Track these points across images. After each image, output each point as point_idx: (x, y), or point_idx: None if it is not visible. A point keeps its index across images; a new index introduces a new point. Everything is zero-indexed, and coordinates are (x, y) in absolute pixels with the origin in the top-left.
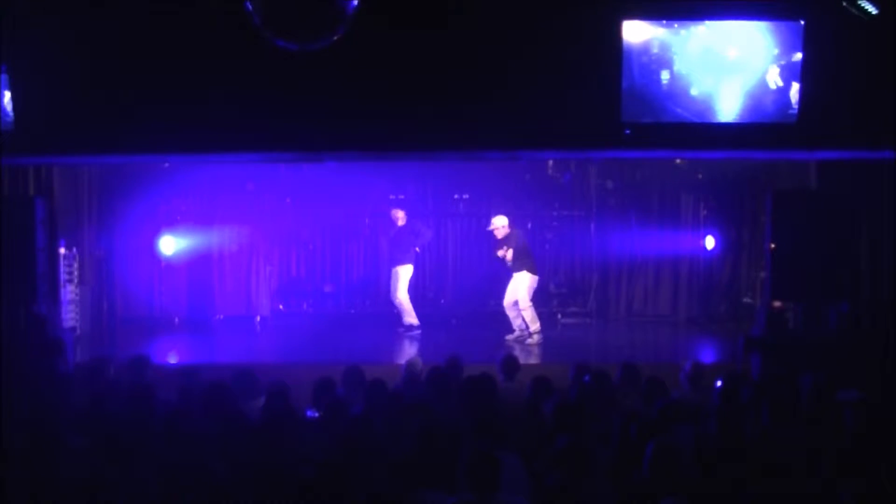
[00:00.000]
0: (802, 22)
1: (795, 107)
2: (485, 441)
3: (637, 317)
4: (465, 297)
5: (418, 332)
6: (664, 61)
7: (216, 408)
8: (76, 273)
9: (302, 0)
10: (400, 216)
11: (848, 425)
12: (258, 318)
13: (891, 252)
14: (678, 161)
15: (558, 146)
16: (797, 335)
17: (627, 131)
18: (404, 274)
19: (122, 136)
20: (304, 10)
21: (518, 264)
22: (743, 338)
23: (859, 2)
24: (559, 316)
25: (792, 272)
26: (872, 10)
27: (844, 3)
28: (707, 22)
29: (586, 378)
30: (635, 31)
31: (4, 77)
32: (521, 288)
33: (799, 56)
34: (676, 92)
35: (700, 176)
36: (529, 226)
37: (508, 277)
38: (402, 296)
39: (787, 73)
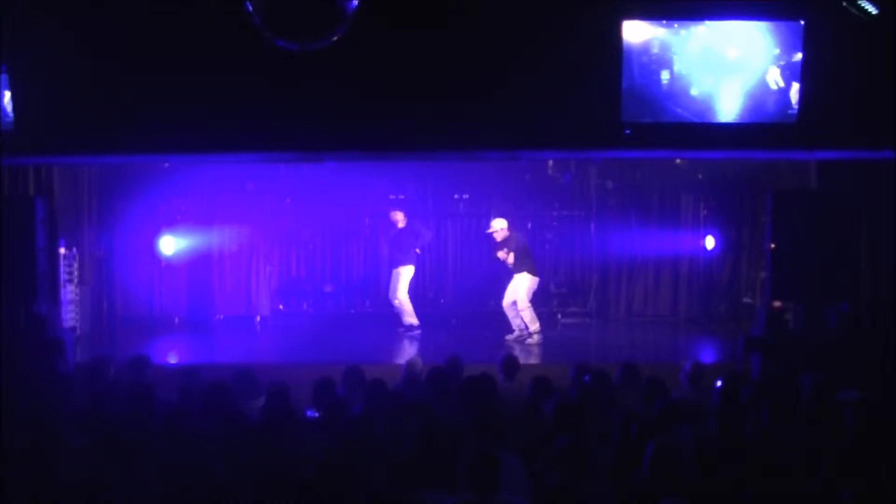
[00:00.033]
0: (802, 22)
1: (795, 107)
2: (485, 441)
3: (637, 317)
4: (465, 297)
5: (418, 332)
6: (664, 61)
7: (216, 408)
8: (76, 273)
9: (302, 0)
10: (399, 218)
11: (848, 425)
12: (258, 318)
13: (891, 252)
14: (678, 161)
15: (558, 146)
16: (797, 335)
17: (627, 131)
18: (405, 275)
19: (122, 136)
20: (304, 10)
21: (518, 265)
22: (743, 338)
23: (859, 2)
24: (559, 316)
25: (792, 272)
26: (872, 10)
27: (844, 3)
28: (707, 22)
29: (586, 378)
30: (635, 31)
31: (4, 77)
32: (520, 289)
33: (799, 56)
34: (676, 92)
35: (700, 176)
36: (529, 226)
37: (508, 277)
38: (402, 296)
39: (788, 73)
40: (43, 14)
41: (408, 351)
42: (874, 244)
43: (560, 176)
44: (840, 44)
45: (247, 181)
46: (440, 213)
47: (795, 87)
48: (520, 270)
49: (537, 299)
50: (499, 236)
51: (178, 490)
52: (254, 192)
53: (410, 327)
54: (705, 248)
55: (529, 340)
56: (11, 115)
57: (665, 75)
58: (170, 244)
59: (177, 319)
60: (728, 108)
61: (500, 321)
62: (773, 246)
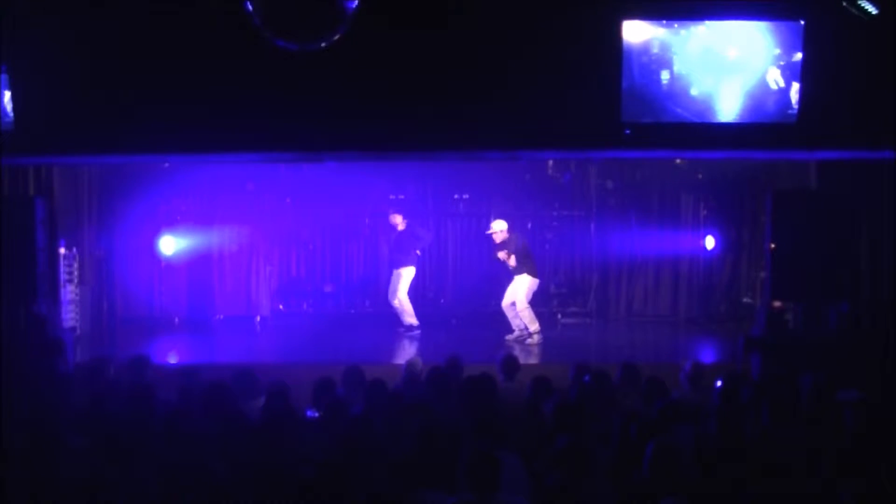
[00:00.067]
0: (802, 22)
1: (795, 107)
2: (485, 441)
3: (637, 317)
4: (465, 297)
5: (418, 332)
6: (664, 61)
7: (216, 408)
8: (76, 273)
9: (302, 0)
10: (398, 221)
11: (848, 425)
12: (258, 318)
13: (891, 252)
14: (678, 161)
15: (558, 146)
16: (797, 335)
17: (627, 131)
18: (406, 276)
19: (122, 136)
20: (304, 10)
21: (518, 267)
22: (743, 338)
23: (859, 2)
24: (559, 316)
25: (792, 272)
26: (872, 10)
27: (844, 3)
28: (707, 22)
29: (586, 378)
30: (635, 31)
31: (4, 77)
32: (519, 290)
33: (799, 56)
34: (676, 92)
35: (700, 176)
36: (529, 226)
37: (508, 277)
38: (402, 296)
39: (788, 73)
40: (43, 14)
41: (408, 351)
42: (874, 244)
43: (560, 176)
44: (840, 44)
45: (247, 181)
46: (440, 213)
47: (795, 87)
48: (520, 272)
49: (537, 299)
50: (498, 238)
51: (178, 490)
52: (254, 192)
53: (410, 327)
54: (705, 248)
55: (529, 340)
56: (11, 115)
57: (665, 75)
58: (170, 244)
59: (177, 319)
60: (728, 108)
61: (500, 321)
62: (773, 246)
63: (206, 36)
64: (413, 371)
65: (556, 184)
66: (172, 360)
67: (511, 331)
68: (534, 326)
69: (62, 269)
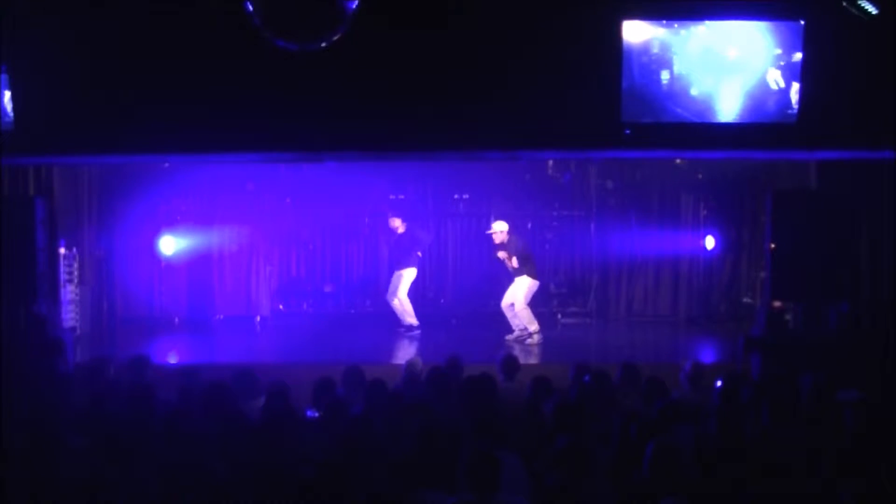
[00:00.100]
0: (802, 22)
1: (795, 107)
2: (485, 441)
3: (637, 317)
4: (465, 297)
5: (418, 332)
6: (664, 61)
7: (216, 408)
8: (76, 273)
9: (302, 0)
10: (398, 224)
11: (848, 425)
12: (258, 318)
13: (891, 252)
14: (678, 161)
15: (558, 146)
16: (797, 335)
17: (627, 131)
18: (407, 276)
19: (122, 136)
20: (304, 10)
21: (519, 269)
22: (743, 338)
23: (859, 2)
24: (559, 316)
25: (792, 272)
26: (872, 10)
27: (844, 3)
28: (707, 22)
29: (586, 378)
30: (635, 31)
31: (4, 77)
32: (519, 291)
33: (799, 56)
34: (676, 92)
35: (700, 176)
36: (529, 226)
37: (508, 277)
38: (402, 296)
39: (788, 73)
40: (43, 14)
41: (408, 351)
42: (874, 244)
43: (560, 176)
44: (840, 44)
45: (247, 181)
46: (440, 213)
47: (795, 87)
48: (520, 274)
49: (537, 300)
50: (497, 238)
51: (178, 490)
52: (254, 192)
53: (410, 327)
54: (705, 248)
55: (529, 340)
56: (11, 115)
57: (665, 75)
58: (170, 244)
59: (177, 319)
60: (728, 108)
61: (500, 321)
62: (773, 246)
63: (206, 36)
64: (413, 371)
65: (556, 184)
66: (172, 360)
67: (511, 331)
68: (533, 327)
69: (62, 269)
